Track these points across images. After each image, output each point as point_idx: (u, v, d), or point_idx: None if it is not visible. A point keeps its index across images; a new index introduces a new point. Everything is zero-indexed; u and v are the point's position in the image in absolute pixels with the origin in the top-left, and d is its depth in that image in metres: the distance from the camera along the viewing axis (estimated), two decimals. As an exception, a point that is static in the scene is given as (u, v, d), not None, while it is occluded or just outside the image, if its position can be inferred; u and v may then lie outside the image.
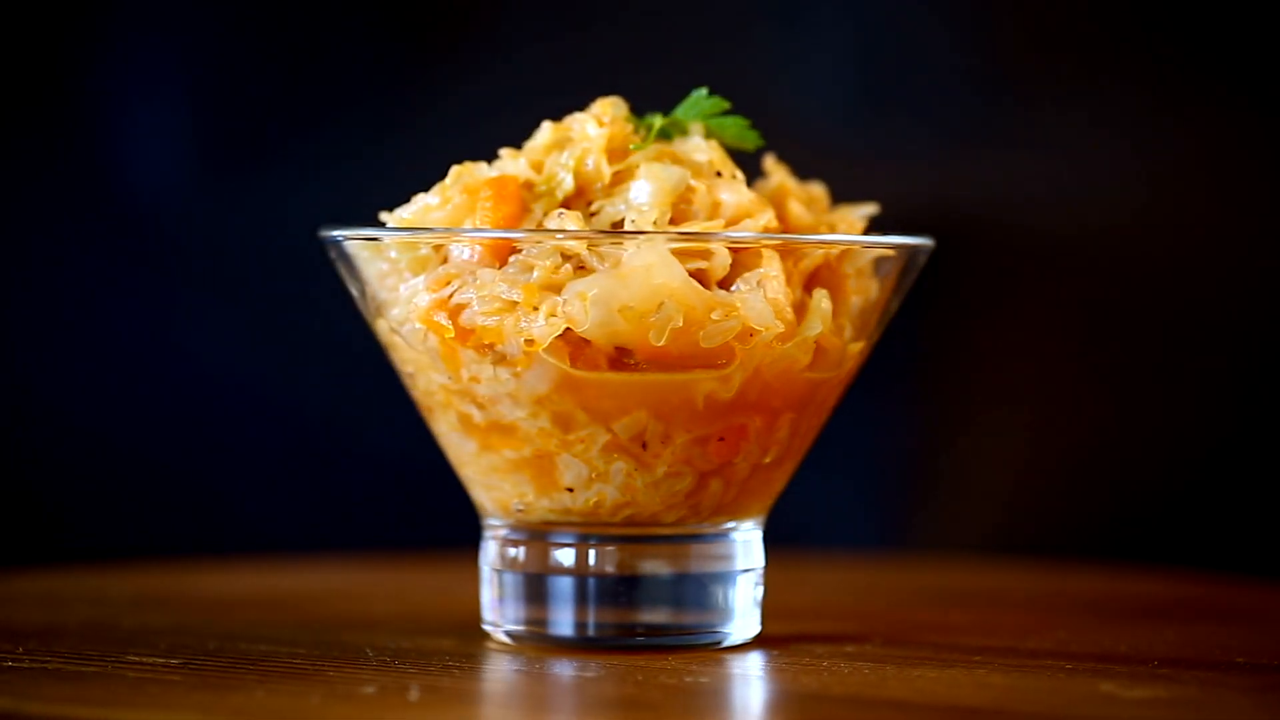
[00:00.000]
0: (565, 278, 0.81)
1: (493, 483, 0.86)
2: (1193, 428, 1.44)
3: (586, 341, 0.81)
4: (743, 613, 0.88)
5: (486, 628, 0.88)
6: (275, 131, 1.43)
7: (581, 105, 0.88)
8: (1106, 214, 1.43)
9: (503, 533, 0.88)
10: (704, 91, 0.87)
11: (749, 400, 0.84)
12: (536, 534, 0.87)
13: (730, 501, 0.87)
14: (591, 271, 0.81)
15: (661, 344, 0.81)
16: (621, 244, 0.81)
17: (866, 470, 1.45)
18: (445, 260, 0.83)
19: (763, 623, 0.89)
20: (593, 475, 0.84)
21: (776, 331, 0.83)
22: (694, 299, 0.81)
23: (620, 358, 0.82)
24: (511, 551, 0.87)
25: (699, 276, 0.82)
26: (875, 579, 1.19)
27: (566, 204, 0.84)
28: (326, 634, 0.90)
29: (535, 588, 0.86)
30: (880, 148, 1.42)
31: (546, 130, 0.86)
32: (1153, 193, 1.43)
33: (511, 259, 0.82)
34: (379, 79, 1.43)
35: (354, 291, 0.87)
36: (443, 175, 0.87)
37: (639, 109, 0.87)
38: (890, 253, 0.87)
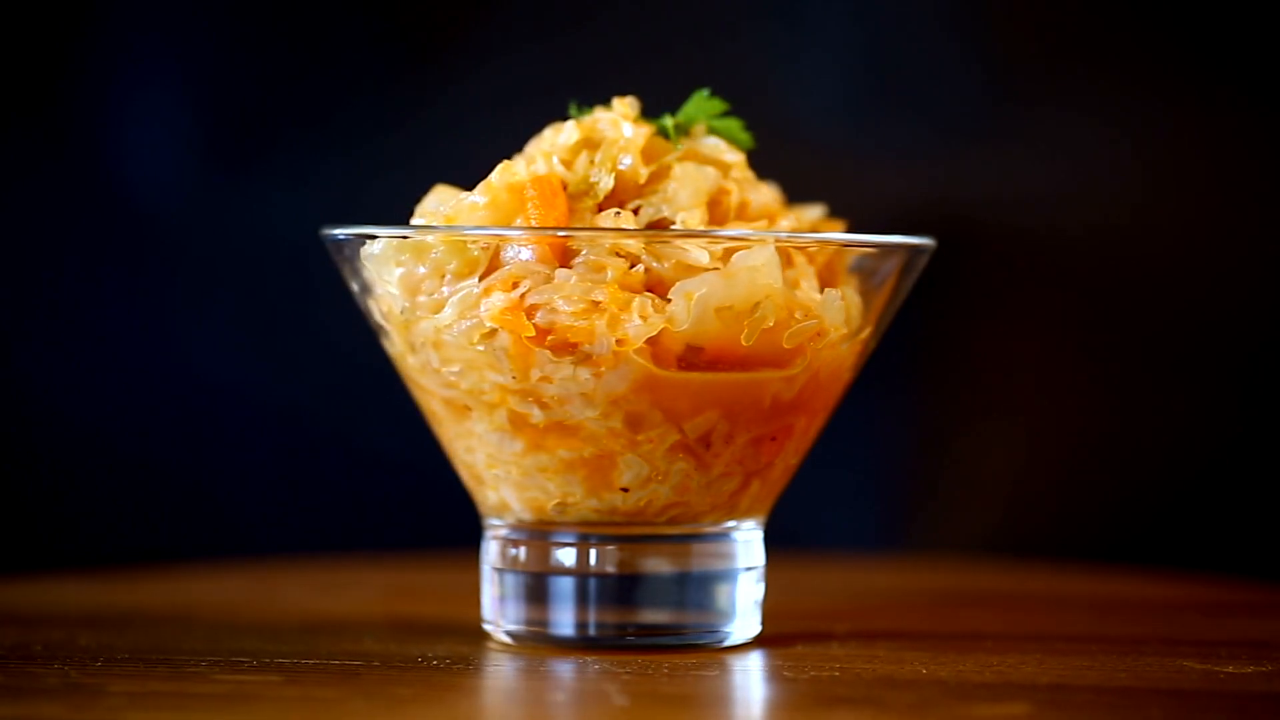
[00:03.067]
0: (636, 277, 0.81)
1: (534, 483, 0.85)
2: (1195, 428, 1.44)
3: (658, 341, 0.82)
4: (743, 612, 0.87)
5: (487, 628, 0.88)
6: (274, 132, 1.43)
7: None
8: (1107, 214, 1.43)
9: (503, 532, 0.87)
10: (706, 92, 0.87)
11: (802, 400, 0.85)
12: (537, 534, 0.86)
13: (760, 501, 0.88)
14: (649, 271, 0.82)
15: (749, 344, 0.82)
16: (669, 242, 0.81)
17: (866, 471, 1.45)
18: (495, 260, 0.83)
19: (763, 622, 0.89)
20: (652, 475, 0.84)
21: (842, 333, 0.84)
22: (782, 300, 0.82)
23: (689, 357, 0.82)
24: (512, 551, 0.87)
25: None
26: (875, 579, 1.19)
27: (602, 203, 0.84)
28: (327, 635, 0.90)
29: (536, 587, 0.86)
30: (880, 147, 1.42)
31: (573, 130, 0.85)
32: (1153, 192, 1.43)
33: (576, 260, 0.82)
34: (379, 79, 1.43)
35: (391, 290, 0.85)
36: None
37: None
38: (873, 252, 0.87)
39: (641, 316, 0.81)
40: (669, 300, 0.81)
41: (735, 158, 0.86)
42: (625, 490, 0.84)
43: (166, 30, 1.42)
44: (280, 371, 1.44)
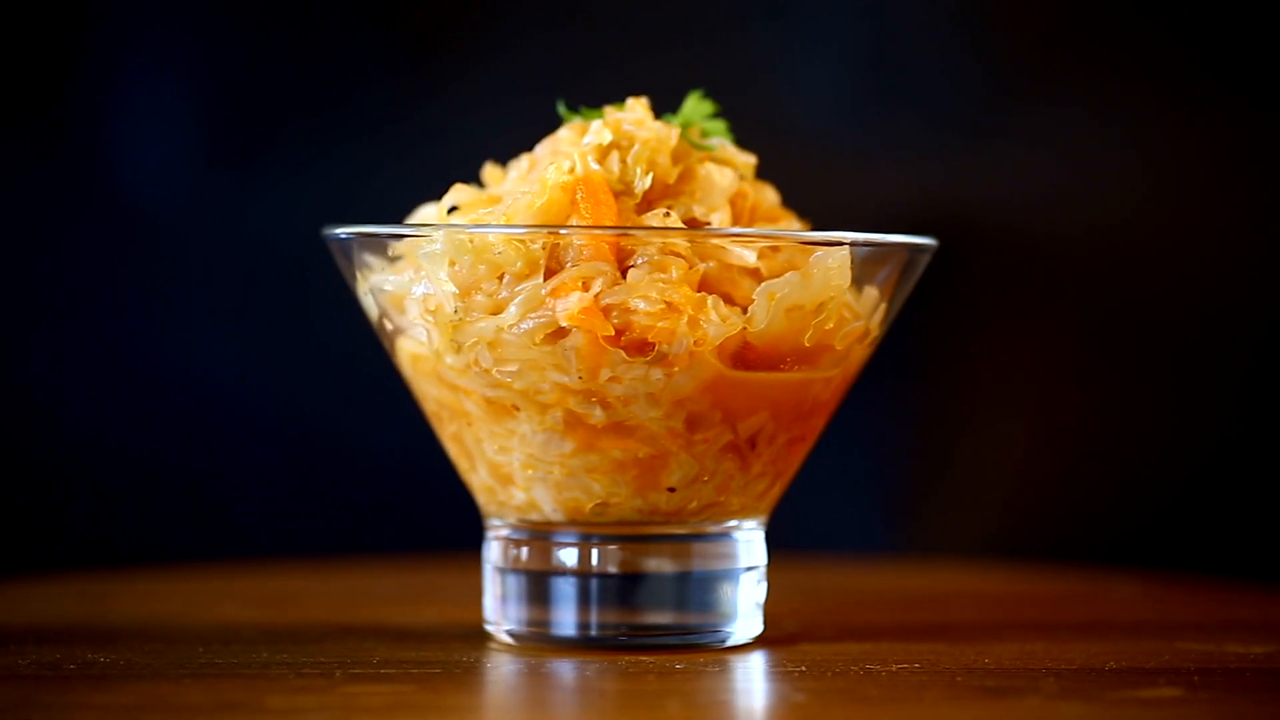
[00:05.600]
0: (695, 276, 0.82)
1: (579, 483, 0.85)
2: (1195, 428, 1.44)
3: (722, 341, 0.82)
4: (745, 613, 0.87)
5: (489, 628, 0.88)
6: (274, 132, 1.43)
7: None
8: (1107, 213, 1.43)
9: (505, 533, 0.87)
10: (699, 93, 0.88)
11: (831, 400, 0.87)
12: (539, 534, 0.86)
13: (773, 501, 0.88)
14: (701, 271, 0.82)
15: (810, 344, 0.83)
16: (697, 239, 0.82)
17: (867, 471, 1.45)
18: (552, 260, 0.82)
19: (765, 623, 0.89)
20: (699, 475, 0.84)
21: (875, 333, 0.86)
22: (842, 300, 0.83)
23: (742, 356, 0.82)
24: (514, 551, 0.87)
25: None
26: (876, 581, 1.19)
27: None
28: (327, 637, 0.90)
29: (538, 588, 0.86)
30: (880, 147, 1.42)
31: (603, 130, 0.85)
32: (1154, 193, 1.43)
33: (637, 260, 0.82)
34: (377, 78, 1.43)
35: (448, 289, 0.83)
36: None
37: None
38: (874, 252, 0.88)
39: (720, 317, 0.81)
40: (725, 299, 0.82)
41: (748, 159, 0.87)
42: (672, 490, 0.84)
43: (166, 31, 1.42)
44: (280, 372, 1.43)
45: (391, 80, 1.43)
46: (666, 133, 0.85)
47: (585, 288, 0.81)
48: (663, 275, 0.81)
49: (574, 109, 0.88)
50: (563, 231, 0.82)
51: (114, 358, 1.43)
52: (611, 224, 0.82)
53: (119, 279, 1.42)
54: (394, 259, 0.86)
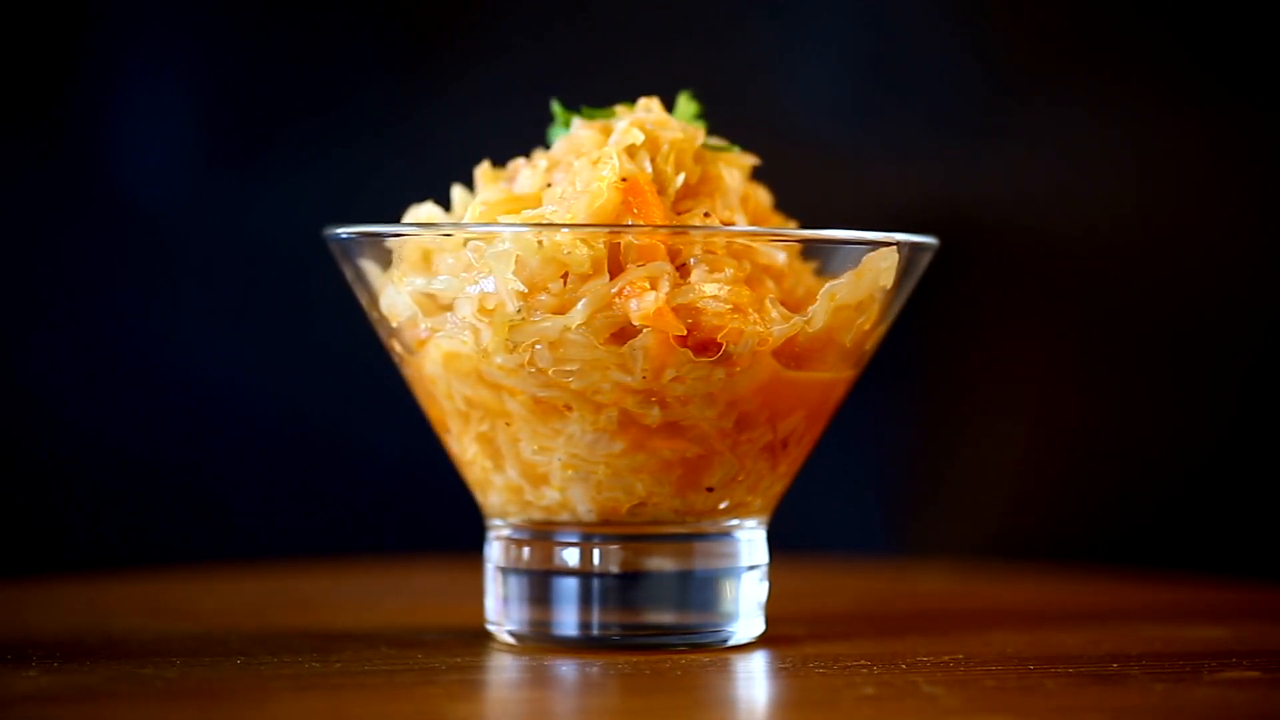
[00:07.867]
0: (743, 272, 0.82)
1: (621, 483, 0.84)
2: (1195, 429, 1.44)
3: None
4: (747, 612, 0.87)
5: (490, 628, 0.88)
6: (274, 132, 1.43)
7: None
8: (1107, 213, 1.43)
9: (506, 533, 0.87)
10: (689, 93, 0.88)
11: (844, 399, 0.87)
12: (541, 533, 0.86)
13: (778, 501, 0.89)
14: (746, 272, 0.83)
15: (851, 344, 0.84)
16: (774, 240, 0.83)
17: (867, 472, 1.45)
18: (619, 258, 0.82)
19: (766, 622, 0.89)
20: (736, 474, 0.85)
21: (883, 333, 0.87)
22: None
23: (779, 355, 0.83)
24: (516, 551, 0.87)
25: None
26: (878, 581, 1.19)
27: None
28: (328, 637, 0.90)
29: (539, 588, 0.86)
30: (880, 147, 1.42)
31: (632, 130, 0.85)
32: (1155, 192, 1.43)
33: (692, 260, 0.82)
34: (377, 78, 1.43)
35: (515, 287, 0.81)
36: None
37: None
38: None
39: (781, 316, 0.82)
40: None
41: (749, 160, 0.87)
42: (710, 490, 0.85)
43: (166, 31, 1.42)
44: (280, 372, 1.43)
45: (391, 80, 1.43)
46: (693, 132, 0.85)
47: (653, 287, 0.81)
48: (721, 276, 0.82)
49: (572, 109, 0.88)
50: (629, 233, 0.82)
51: (114, 358, 1.43)
52: (661, 223, 0.83)
53: (119, 279, 1.42)
54: (392, 262, 0.85)
